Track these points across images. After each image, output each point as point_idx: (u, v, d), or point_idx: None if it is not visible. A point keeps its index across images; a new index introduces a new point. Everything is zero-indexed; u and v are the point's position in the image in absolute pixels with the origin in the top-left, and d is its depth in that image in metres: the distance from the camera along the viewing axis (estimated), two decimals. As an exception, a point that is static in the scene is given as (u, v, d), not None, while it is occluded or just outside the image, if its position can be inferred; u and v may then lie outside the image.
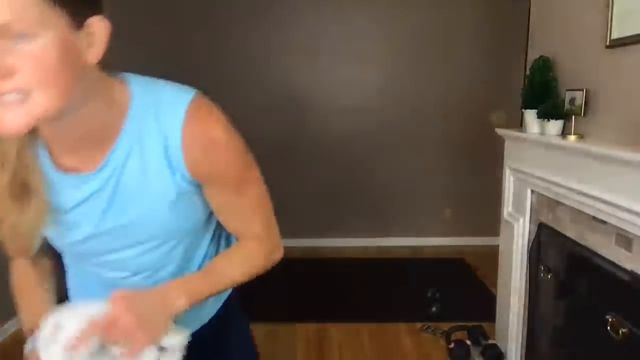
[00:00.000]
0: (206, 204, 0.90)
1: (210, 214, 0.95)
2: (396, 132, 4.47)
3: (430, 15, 4.33)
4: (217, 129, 0.81)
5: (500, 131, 2.46)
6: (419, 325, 3.03)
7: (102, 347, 0.75)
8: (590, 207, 1.72)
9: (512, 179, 2.40)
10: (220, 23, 4.31)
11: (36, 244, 0.87)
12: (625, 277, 1.57)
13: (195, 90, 0.83)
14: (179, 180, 0.81)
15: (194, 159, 0.79)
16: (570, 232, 1.92)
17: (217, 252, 1.03)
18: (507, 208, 2.44)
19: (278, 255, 1.00)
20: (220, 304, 1.09)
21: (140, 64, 4.52)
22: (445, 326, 2.90)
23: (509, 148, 2.42)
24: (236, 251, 0.97)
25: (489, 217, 4.22)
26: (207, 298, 0.90)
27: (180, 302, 0.82)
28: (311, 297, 3.44)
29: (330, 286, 3.65)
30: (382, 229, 4.59)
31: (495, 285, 2.66)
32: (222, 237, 1.05)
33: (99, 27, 0.73)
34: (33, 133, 0.74)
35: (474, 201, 4.54)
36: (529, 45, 2.49)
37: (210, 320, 1.07)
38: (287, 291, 3.54)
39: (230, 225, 0.94)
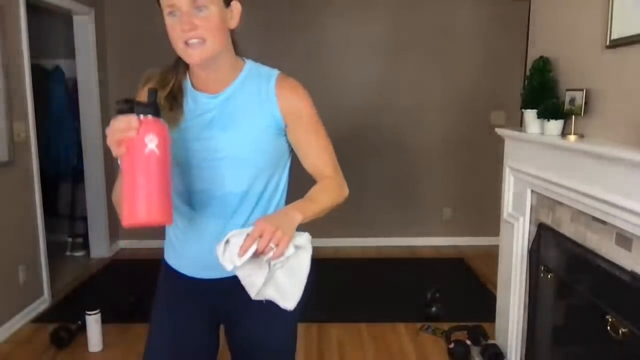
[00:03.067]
0: (282, 151, 1.25)
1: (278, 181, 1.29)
2: (395, 131, 4.48)
3: (430, 15, 4.33)
4: (298, 85, 1.22)
5: (500, 131, 2.46)
6: (418, 325, 3.04)
7: (258, 257, 1.03)
8: (590, 207, 1.72)
9: (512, 179, 2.40)
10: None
11: None
12: (625, 277, 1.57)
13: None
14: (270, 118, 1.17)
15: (283, 99, 1.18)
16: (570, 232, 1.92)
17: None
18: (507, 208, 2.44)
19: (346, 191, 1.31)
20: None
21: (142, 65, 4.51)
22: (445, 326, 2.90)
23: (509, 148, 2.42)
24: (323, 185, 1.27)
25: (489, 217, 4.23)
26: (311, 218, 1.18)
27: (298, 217, 1.12)
28: (311, 297, 3.43)
29: (330, 286, 3.65)
30: (382, 229, 4.60)
31: (495, 285, 2.66)
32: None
33: (236, 7, 1.15)
34: (185, 67, 1.20)
35: (474, 201, 4.54)
36: (529, 45, 2.49)
37: None
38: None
39: (308, 160, 1.27)
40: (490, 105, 4.42)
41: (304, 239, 1.12)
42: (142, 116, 0.95)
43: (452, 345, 2.63)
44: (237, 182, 1.20)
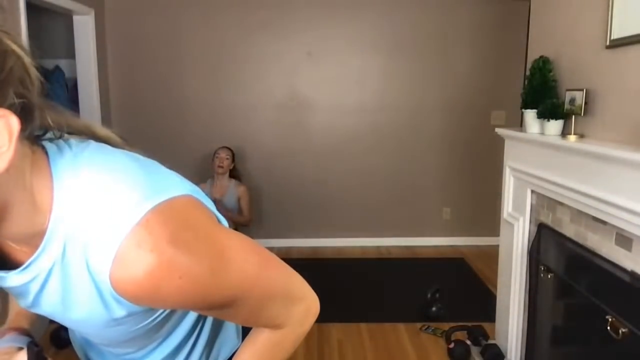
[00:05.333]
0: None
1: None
2: (396, 132, 4.47)
3: (430, 15, 4.33)
4: (162, 268, 0.58)
5: (500, 131, 2.46)
6: (419, 325, 3.04)
7: None
8: (590, 207, 1.72)
9: (512, 179, 2.40)
10: (221, 24, 4.31)
11: None
12: (625, 277, 1.57)
13: (163, 197, 0.61)
14: (118, 311, 0.65)
15: (136, 301, 0.62)
16: (570, 232, 1.92)
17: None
18: (507, 208, 2.43)
19: (311, 316, 0.84)
20: None
21: (142, 65, 4.52)
22: (445, 326, 2.90)
23: (509, 148, 2.42)
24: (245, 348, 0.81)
25: (489, 217, 4.23)
26: None
27: None
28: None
29: (330, 286, 3.65)
30: (382, 229, 4.60)
31: (495, 285, 2.66)
32: None
33: (2, 124, 0.53)
34: None
35: (474, 201, 4.54)
36: (529, 45, 2.49)
37: None
38: None
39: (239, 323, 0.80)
40: (490, 105, 4.42)
41: None
42: None
43: (452, 345, 2.63)
44: (117, 345, 0.82)
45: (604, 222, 1.68)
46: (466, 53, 4.38)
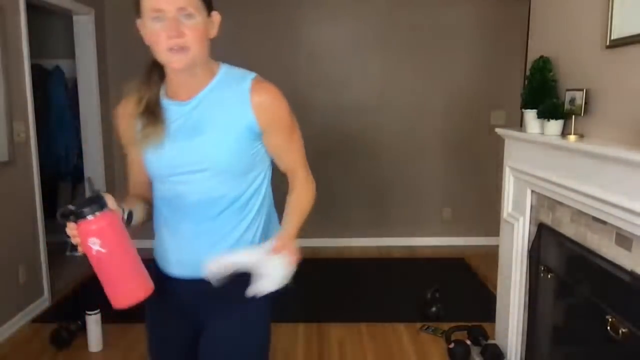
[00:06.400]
0: (258, 158, 1.24)
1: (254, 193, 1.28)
2: (396, 132, 4.48)
3: (430, 15, 4.33)
4: (274, 90, 1.21)
5: (500, 131, 2.46)
6: (419, 325, 3.04)
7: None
8: (590, 207, 1.72)
9: (512, 179, 2.40)
10: (220, 24, 4.30)
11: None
12: (625, 277, 1.57)
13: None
14: (243, 124, 1.17)
15: (258, 105, 1.17)
16: (570, 232, 1.92)
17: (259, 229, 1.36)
18: (507, 208, 2.43)
19: (314, 188, 1.37)
20: None
21: (142, 65, 4.50)
22: (445, 326, 2.90)
23: (508, 148, 2.42)
24: (295, 198, 1.34)
25: (489, 217, 4.23)
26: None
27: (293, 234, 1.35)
28: (311, 297, 3.44)
29: (331, 286, 3.65)
30: (382, 229, 4.60)
31: (495, 285, 2.66)
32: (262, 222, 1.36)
33: (216, 18, 1.19)
34: (160, 77, 1.23)
35: (474, 201, 4.54)
36: (529, 45, 2.49)
37: None
38: (287, 291, 3.54)
39: (282, 163, 1.31)
40: (490, 105, 4.43)
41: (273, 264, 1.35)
42: (80, 221, 1.01)
43: (452, 345, 2.63)
44: (206, 191, 1.20)
45: (604, 222, 1.68)
46: (466, 53, 4.38)
